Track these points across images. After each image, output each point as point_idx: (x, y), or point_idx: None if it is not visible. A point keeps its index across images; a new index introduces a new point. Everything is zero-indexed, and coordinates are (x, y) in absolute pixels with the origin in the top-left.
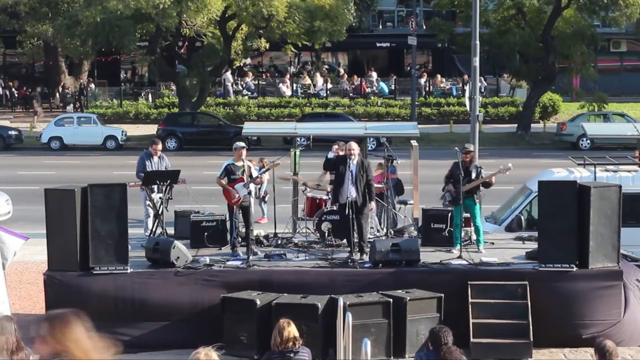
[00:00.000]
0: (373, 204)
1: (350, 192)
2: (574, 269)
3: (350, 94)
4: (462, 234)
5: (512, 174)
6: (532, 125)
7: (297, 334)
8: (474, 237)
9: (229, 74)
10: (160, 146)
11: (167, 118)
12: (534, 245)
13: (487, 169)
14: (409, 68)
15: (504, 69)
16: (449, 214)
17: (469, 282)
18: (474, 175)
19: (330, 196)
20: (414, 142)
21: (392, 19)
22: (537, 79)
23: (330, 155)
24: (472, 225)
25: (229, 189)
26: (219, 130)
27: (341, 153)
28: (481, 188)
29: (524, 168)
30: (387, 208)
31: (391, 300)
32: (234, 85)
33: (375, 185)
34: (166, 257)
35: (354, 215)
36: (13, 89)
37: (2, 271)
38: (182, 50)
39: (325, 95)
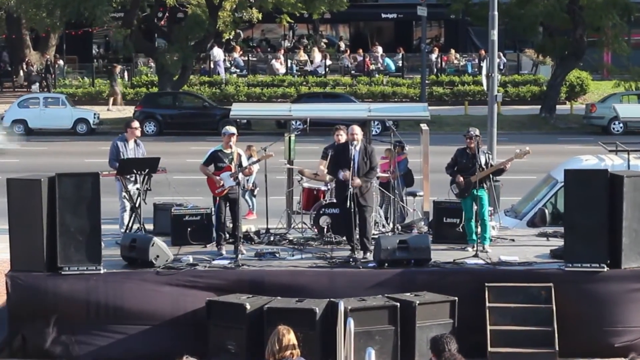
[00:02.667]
0: (357, 181)
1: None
2: (605, 269)
3: (352, 72)
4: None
5: (536, 162)
6: (558, 106)
7: (296, 343)
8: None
9: (216, 50)
10: (137, 124)
11: (145, 99)
12: (559, 243)
13: (505, 156)
14: (418, 42)
15: (526, 44)
16: None
17: (487, 284)
18: (482, 162)
19: (329, 187)
20: (424, 126)
21: None
22: (563, 55)
23: (341, 176)
24: (478, 219)
25: (212, 177)
26: (203, 113)
27: (342, 139)
28: (493, 176)
29: (549, 155)
30: (394, 200)
31: (398, 304)
32: (226, 62)
33: (381, 174)
34: (144, 256)
35: (356, 209)
36: None
37: None
38: (162, 22)
39: (323, 72)
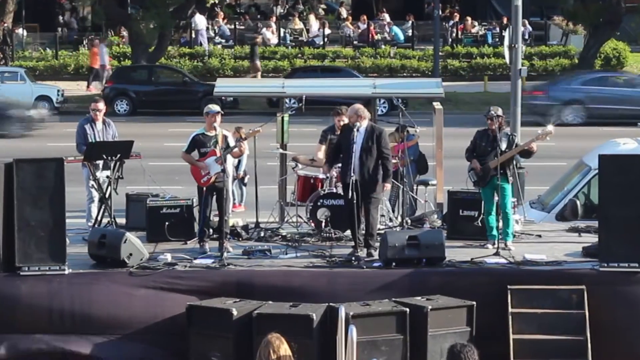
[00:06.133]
0: (388, 185)
1: (355, 169)
2: None
3: (355, 42)
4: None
5: (566, 146)
6: None
7: (290, 354)
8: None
9: (199, 17)
10: (102, 105)
11: (117, 73)
12: (593, 239)
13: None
14: (430, 8)
15: (555, 10)
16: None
17: (509, 287)
18: (504, 145)
19: (328, 175)
20: (437, 105)
21: None
22: (598, 22)
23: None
24: (499, 212)
25: (197, 165)
26: (183, 89)
27: (343, 121)
28: (520, 163)
29: (580, 138)
30: (403, 190)
31: (407, 309)
32: (209, 31)
33: None
34: (115, 254)
35: (359, 200)
36: None
37: None
38: None
39: (322, 43)
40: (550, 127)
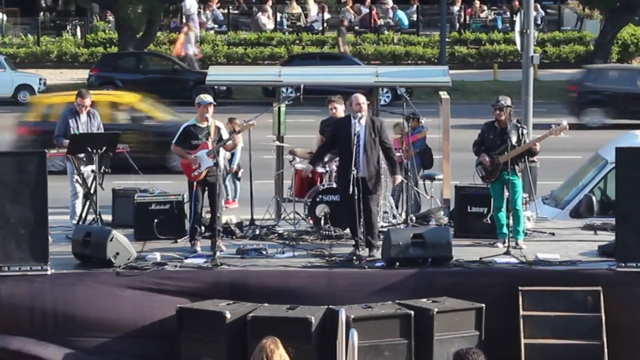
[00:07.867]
0: (399, 178)
1: (358, 164)
2: None
3: (356, 28)
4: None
5: (580, 138)
6: None
7: (287, 359)
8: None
9: (189, 0)
10: (88, 101)
11: (103, 60)
12: (609, 237)
13: (542, 131)
14: None
15: None
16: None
17: (520, 288)
18: (514, 138)
19: (328, 168)
20: (444, 94)
21: None
22: (614, 6)
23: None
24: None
25: (187, 158)
26: (173, 78)
27: (338, 113)
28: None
29: (596, 130)
30: (408, 185)
31: (412, 312)
32: (201, 16)
33: None
34: (101, 253)
35: (360, 196)
36: None
37: None
38: None
39: (320, 29)
40: (565, 122)
